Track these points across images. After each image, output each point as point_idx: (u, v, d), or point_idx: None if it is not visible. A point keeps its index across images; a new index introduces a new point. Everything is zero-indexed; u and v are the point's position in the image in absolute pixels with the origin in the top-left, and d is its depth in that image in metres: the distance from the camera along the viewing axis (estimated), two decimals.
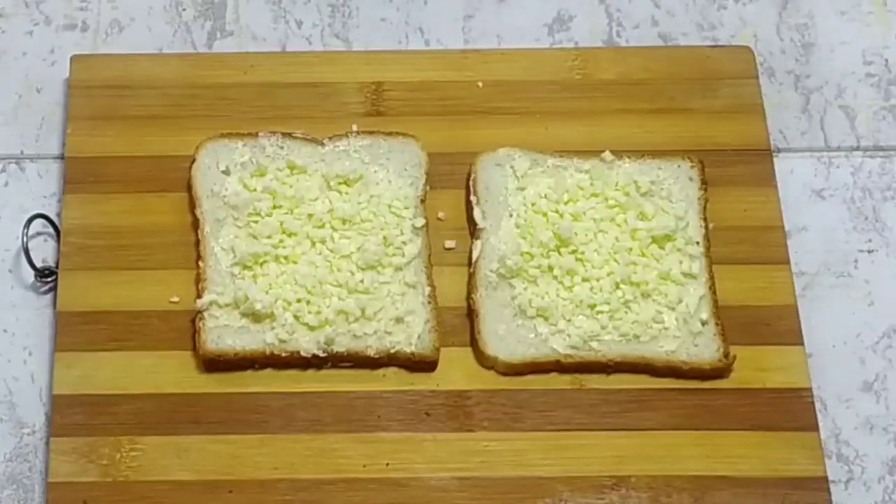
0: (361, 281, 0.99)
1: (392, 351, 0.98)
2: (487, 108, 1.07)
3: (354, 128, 1.06)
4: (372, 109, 1.07)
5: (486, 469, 0.96)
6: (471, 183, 1.04)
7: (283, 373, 0.98)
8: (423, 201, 1.03)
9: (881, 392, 1.02)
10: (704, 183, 1.05)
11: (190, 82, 1.07)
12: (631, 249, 1.01)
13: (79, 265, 1.01)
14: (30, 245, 1.01)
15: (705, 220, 1.03)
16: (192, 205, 1.03)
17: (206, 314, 0.98)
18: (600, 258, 1.01)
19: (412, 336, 0.99)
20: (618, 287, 1.00)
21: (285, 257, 1.00)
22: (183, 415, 0.97)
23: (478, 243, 1.02)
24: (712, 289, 1.01)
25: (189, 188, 1.03)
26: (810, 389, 0.99)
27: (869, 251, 1.06)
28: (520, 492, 0.96)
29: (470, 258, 1.02)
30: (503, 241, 1.01)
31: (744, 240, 1.04)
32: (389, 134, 1.05)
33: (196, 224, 1.02)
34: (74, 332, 0.99)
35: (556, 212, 1.02)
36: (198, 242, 1.01)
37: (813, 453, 0.97)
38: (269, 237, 1.00)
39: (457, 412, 0.98)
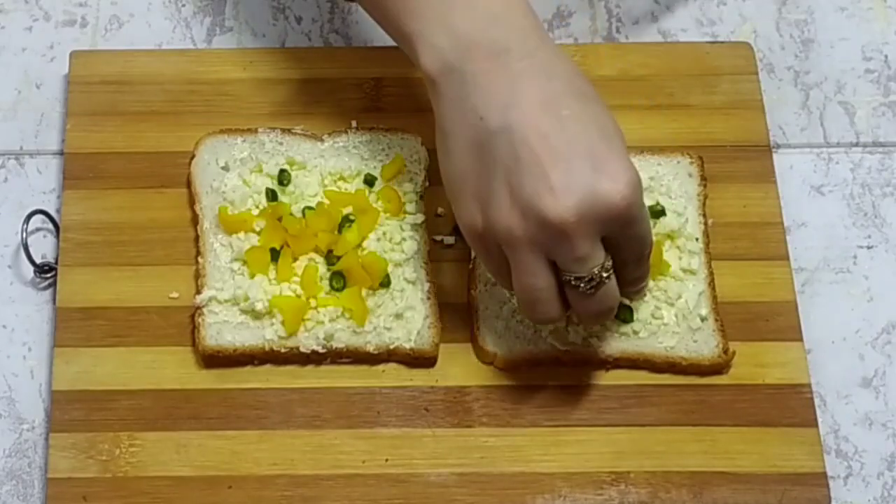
0: None
1: (391, 347, 0.98)
2: None
3: (354, 124, 1.06)
4: (371, 105, 1.07)
5: (486, 465, 0.96)
6: None
7: (282, 369, 0.98)
8: (422, 197, 1.03)
9: (880, 388, 1.02)
10: (704, 179, 1.05)
11: (189, 78, 1.08)
12: None
13: (78, 261, 1.01)
14: (29, 241, 1.01)
15: (704, 216, 1.03)
16: (192, 201, 1.03)
17: (205, 310, 0.99)
18: None
19: (411, 332, 0.99)
20: None
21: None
22: (182, 410, 0.97)
23: None
24: (711, 285, 1.01)
25: (188, 184, 1.03)
26: (809, 385, 0.99)
27: (868, 247, 1.06)
28: (519, 487, 0.96)
29: (469, 254, 1.02)
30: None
31: (743, 236, 1.04)
32: (389, 130, 1.05)
33: (195, 220, 1.02)
34: (74, 327, 0.99)
35: None
36: (197, 238, 1.01)
37: (812, 449, 0.97)
38: None
39: (456, 408, 0.98)
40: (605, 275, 0.90)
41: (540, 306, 0.92)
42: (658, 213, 1.01)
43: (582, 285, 0.90)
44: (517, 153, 0.89)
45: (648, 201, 1.02)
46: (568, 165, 0.88)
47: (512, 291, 0.94)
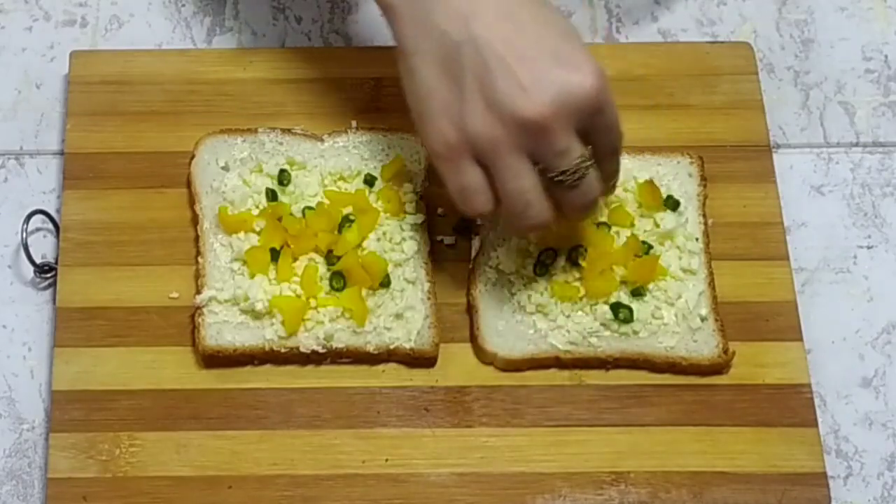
0: None
1: (391, 347, 0.98)
2: None
3: (354, 124, 1.06)
4: (371, 105, 1.07)
5: (486, 465, 0.96)
6: None
7: (282, 369, 0.98)
8: (422, 197, 1.03)
9: (880, 388, 1.02)
10: (704, 179, 1.05)
11: (189, 78, 1.08)
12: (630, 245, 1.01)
13: (78, 261, 1.01)
14: (29, 241, 1.01)
15: (704, 216, 1.03)
16: (192, 201, 1.03)
17: (205, 310, 0.99)
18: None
19: (411, 332, 0.99)
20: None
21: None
22: (182, 410, 0.97)
23: (477, 239, 1.02)
24: (711, 285, 1.01)
25: (188, 184, 1.03)
26: (809, 385, 0.99)
27: (868, 247, 1.06)
28: (519, 487, 0.96)
29: (469, 254, 1.02)
30: (502, 238, 1.01)
31: (743, 236, 1.04)
32: (389, 130, 1.05)
33: (195, 220, 1.02)
34: (74, 327, 0.99)
35: None
36: (197, 238, 1.01)
37: (812, 449, 0.97)
38: None
39: (456, 408, 0.98)
40: (585, 165, 0.92)
41: (531, 210, 0.93)
42: (675, 203, 1.01)
43: (566, 179, 0.92)
44: (484, 60, 0.91)
45: None
46: (535, 64, 0.90)
47: (476, 212, 0.94)
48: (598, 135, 0.93)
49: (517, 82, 0.90)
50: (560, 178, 0.92)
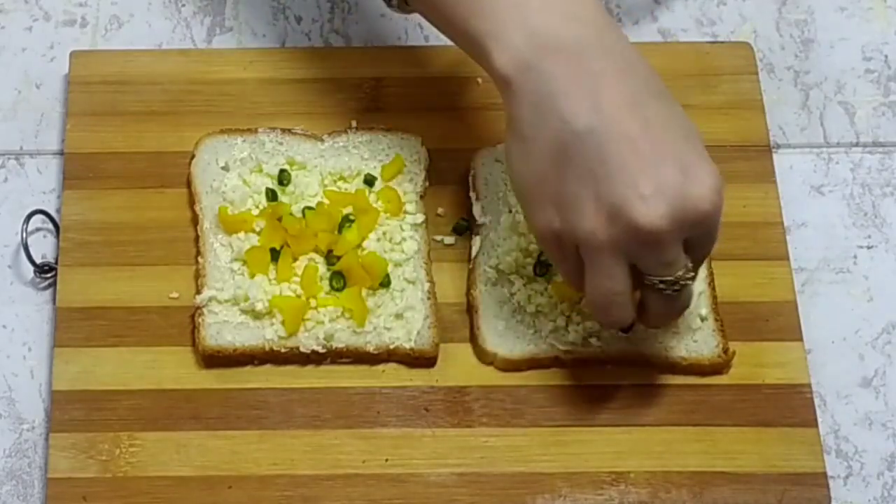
0: None
1: (391, 347, 0.98)
2: (487, 104, 1.07)
3: (354, 124, 1.06)
4: (371, 105, 1.07)
5: (486, 465, 0.96)
6: (470, 179, 1.04)
7: (282, 369, 0.98)
8: (422, 197, 1.03)
9: (880, 388, 1.02)
10: None
11: (189, 78, 1.08)
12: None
13: (78, 261, 1.01)
14: (29, 241, 1.01)
15: None
16: (192, 201, 1.03)
17: (205, 310, 0.99)
18: None
19: (411, 332, 0.99)
20: None
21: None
22: (182, 410, 0.97)
23: (477, 239, 1.02)
24: (711, 285, 1.01)
25: (188, 184, 1.03)
26: (809, 385, 0.99)
27: (868, 247, 1.06)
28: (519, 487, 0.96)
29: (469, 254, 1.02)
30: (502, 238, 1.01)
31: (743, 236, 1.04)
32: (389, 130, 1.05)
33: (195, 220, 1.02)
34: (74, 327, 0.99)
35: None
36: (197, 238, 1.01)
37: (812, 449, 0.97)
38: None
39: (456, 408, 0.98)
40: (688, 276, 0.90)
41: (615, 309, 0.91)
42: None
43: (666, 288, 0.90)
44: (604, 157, 0.87)
45: None
46: (657, 171, 0.87)
47: (582, 294, 0.93)
48: (699, 244, 0.90)
49: (636, 189, 0.86)
50: (661, 286, 0.90)
